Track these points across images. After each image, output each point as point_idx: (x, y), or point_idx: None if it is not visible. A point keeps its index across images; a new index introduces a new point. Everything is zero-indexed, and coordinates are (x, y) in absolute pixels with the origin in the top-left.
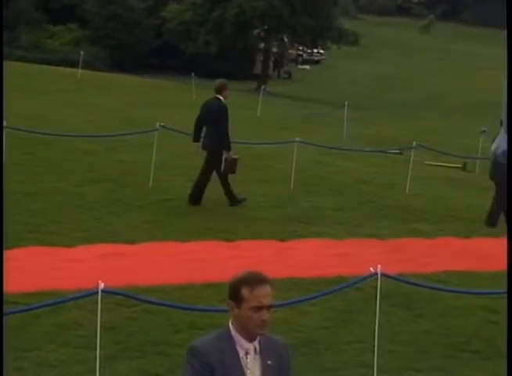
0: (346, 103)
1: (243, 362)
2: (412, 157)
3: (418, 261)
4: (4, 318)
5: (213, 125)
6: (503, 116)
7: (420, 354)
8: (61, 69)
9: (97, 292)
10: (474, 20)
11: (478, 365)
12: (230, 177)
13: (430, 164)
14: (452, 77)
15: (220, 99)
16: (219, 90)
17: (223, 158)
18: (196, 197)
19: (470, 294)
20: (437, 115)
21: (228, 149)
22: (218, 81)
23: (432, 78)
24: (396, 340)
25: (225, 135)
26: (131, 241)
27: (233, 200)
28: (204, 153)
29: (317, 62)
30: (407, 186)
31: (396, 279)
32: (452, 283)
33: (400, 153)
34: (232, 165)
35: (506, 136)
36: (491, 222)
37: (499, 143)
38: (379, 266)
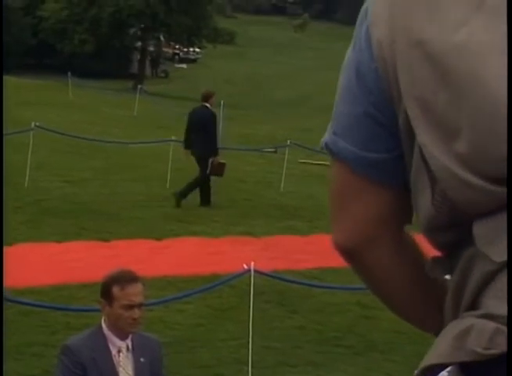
0: (222, 102)
1: (115, 360)
2: (286, 156)
3: (292, 258)
4: None
5: (202, 132)
6: None
7: (295, 349)
8: None
9: None
10: (347, 20)
11: (351, 359)
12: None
13: (305, 162)
14: (325, 75)
15: (207, 107)
16: (206, 98)
17: (210, 162)
18: (204, 199)
19: (343, 290)
20: (311, 113)
21: (216, 154)
22: (205, 91)
23: (306, 77)
24: (270, 336)
25: (213, 140)
26: (7, 242)
27: (204, 201)
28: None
29: (194, 60)
30: (281, 184)
31: (270, 275)
32: (325, 279)
33: (275, 152)
34: (219, 169)
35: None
36: None
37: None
38: (252, 263)
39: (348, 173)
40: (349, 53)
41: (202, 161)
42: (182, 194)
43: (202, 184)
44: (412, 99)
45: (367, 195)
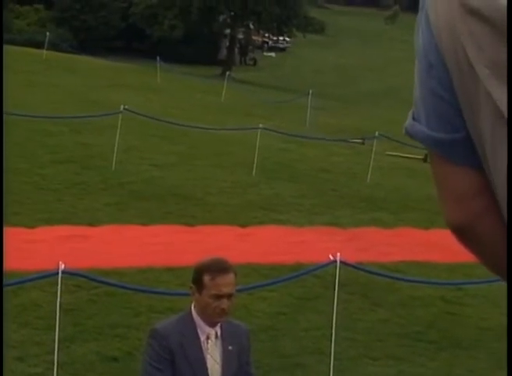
0: (310, 92)
1: (203, 346)
2: (374, 147)
3: (377, 250)
4: None
5: None
6: None
7: (377, 342)
8: (27, 49)
9: (57, 273)
10: None
11: (433, 355)
12: None
13: (392, 155)
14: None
15: None
16: None
17: None
18: None
19: (427, 285)
20: (399, 106)
21: None
22: None
23: (395, 69)
24: (353, 328)
25: None
26: (93, 223)
27: None
28: None
29: (283, 49)
30: (368, 176)
31: (355, 267)
32: (410, 273)
33: (362, 143)
34: None
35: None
36: None
37: None
38: (338, 254)
39: (433, 155)
40: (416, 40)
41: None
42: None
43: None
44: (482, 60)
45: (452, 174)
